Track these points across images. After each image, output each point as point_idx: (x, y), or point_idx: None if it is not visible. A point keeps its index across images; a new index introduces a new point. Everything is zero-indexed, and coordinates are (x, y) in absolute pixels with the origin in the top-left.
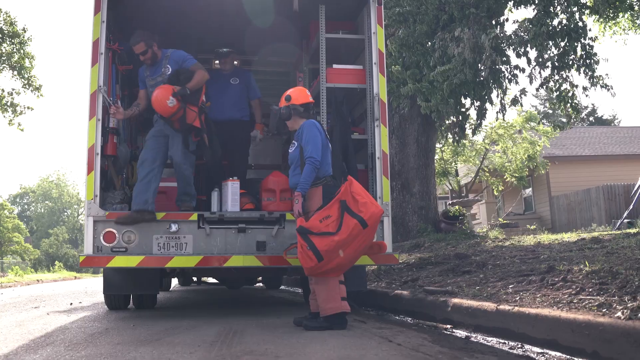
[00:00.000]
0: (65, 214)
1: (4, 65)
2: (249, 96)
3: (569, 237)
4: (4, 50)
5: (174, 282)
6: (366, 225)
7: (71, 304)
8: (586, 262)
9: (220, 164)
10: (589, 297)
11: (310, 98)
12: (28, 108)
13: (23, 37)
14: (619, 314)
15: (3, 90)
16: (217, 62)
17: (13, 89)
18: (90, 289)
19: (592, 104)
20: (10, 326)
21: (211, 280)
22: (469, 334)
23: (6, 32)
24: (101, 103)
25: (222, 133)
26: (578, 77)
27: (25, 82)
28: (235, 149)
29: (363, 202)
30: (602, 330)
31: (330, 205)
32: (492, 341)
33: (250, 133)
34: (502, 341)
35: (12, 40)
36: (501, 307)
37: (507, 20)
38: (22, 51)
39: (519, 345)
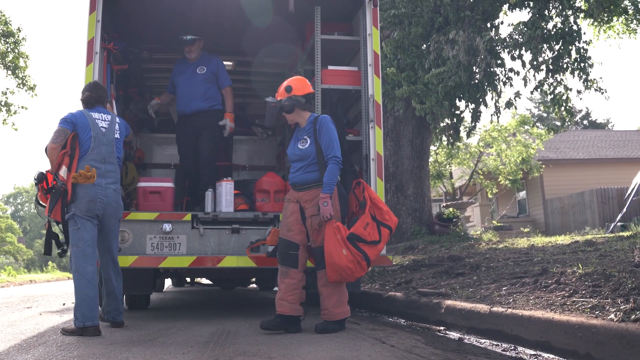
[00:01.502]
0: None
1: None
2: (218, 84)
3: (563, 239)
4: None
5: (168, 282)
6: (392, 234)
7: (64, 304)
8: (579, 265)
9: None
10: (582, 299)
11: (311, 88)
12: (22, 107)
13: (17, 36)
14: (612, 316)
15: None
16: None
17: (7, 89)
18: None
19: (586, 108)
20: (2, 326)
21: (205, 281)
22: (462, 336)
23: (1, 31)
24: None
25: (190, 126)
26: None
27: (20, 81)
28: (205, 141)
29: (386, 211)
30: (595, 332)
31: (367, 213)
32: (486, 343)
33: (219, 122)
34: (496, 343)
35: (7, 40)
36: (494, 309)
37: (502, 23)
38: (16, 50)
39: (512, 347)
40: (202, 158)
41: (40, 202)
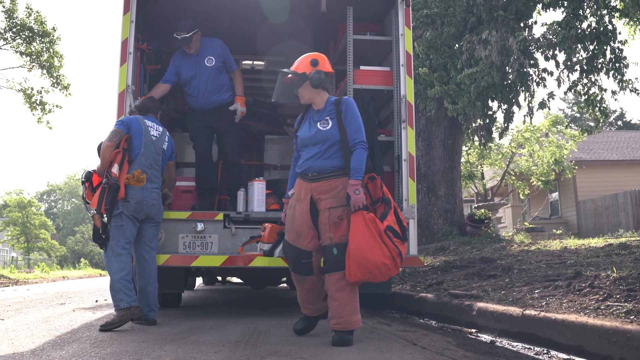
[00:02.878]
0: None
1: (34, 63)
2: (227, 70)
3: (596, 242)
4: (33, 49)
5: (199, 281)
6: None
7: (96, 301)
8: (614, 268)
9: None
10: (616, 303)
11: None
12: (57, 106)
13: (52, 36)
14: None
15: (32, 89)
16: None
17: (42, 88)
18: None
19: (621, 108)
20: (36, 322)
21: (235, 279)
22: (494, 339)
23: (36, 31)
24: (129, 103)
25: (212, 121)
26: (607, 81)
27: (54, 80)
28: (231, 141)
29: (395, 206)
30: (630, 338)
31: (393, 207)
32: (518, 346)
33: (230, 107)
34: (528, 346)
35: (42, 39)
36: (527, 312)
37: (535, 23)
38: (51, 50)
39: (545, 351)
40: (229, 160)
41: (87, 199)
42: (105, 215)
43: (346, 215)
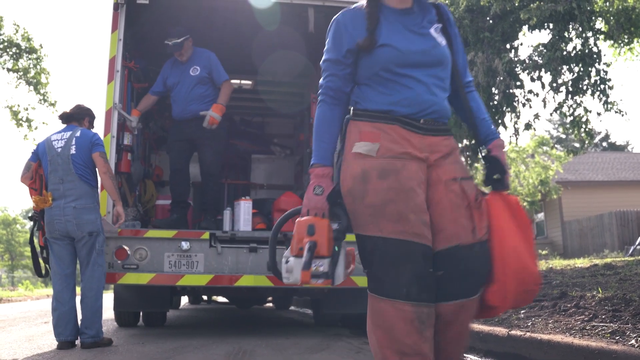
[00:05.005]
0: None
1: (20, 80)
2: (214, 82)
3: (582, 263)
4: (20, 66)
5: (184, 300)
6: None
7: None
8: (599, 289)
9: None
10: (602, 324)
11: None
12: (43, 123)
13: (39, 52)
14: (633, 341)
15: (19, 106)
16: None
17: (29, 105)
18: None
19: (606, 130)
20: (20, 340)
21: (221, 299)
22: (479, 359)
23: (23, 47)
24: (116, 120)
25: (187, 132)
26: (592, 102)
27: (42, 97)
28: (207, 151)
29: None
30: (616, 358)
31: None
32: None
33: (200, 112)
34: None
35: (29, 56)
36: (513, 332)
37: (521, 44)
38: (38, 67)
39: None
40: (204, 171)
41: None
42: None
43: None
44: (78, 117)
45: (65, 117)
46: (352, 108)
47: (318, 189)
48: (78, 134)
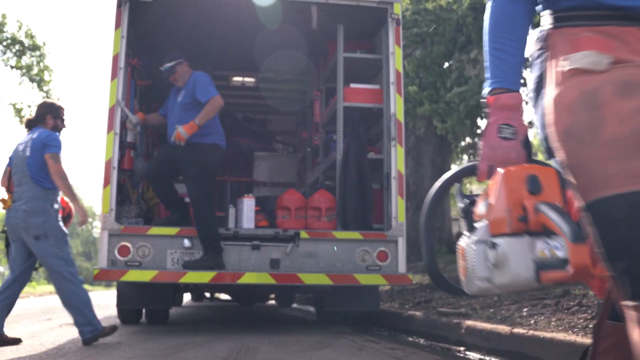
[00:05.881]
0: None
1: (24, 77)
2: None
3: None
4: (23, 63)
5: (187, 297)
6: None
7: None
8: None
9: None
10: None
11: None
12: None
13: (42, 50)
14: None
15: (22, 103)
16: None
17: (33, 102)
18: (102, 302)
19: None
20: (23, 337)
21: (224, 296)
22: (482, 357)
23: (26, 45)
24: (119, 117)
25: (172, 154)
26: None
27: (45, 95)
28: (188, 179)
29: None
30: None
31: None
32: None
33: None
34: None
35: (33, 53)
36: (515, 330)
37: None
38: (41, 64)
39: None
40: (191, 197)
41: None
42: None
43: None
44: (40, 118)
45: (27, 124)
46: (549, 12)
47: (506, 130)
48: (35, 135)
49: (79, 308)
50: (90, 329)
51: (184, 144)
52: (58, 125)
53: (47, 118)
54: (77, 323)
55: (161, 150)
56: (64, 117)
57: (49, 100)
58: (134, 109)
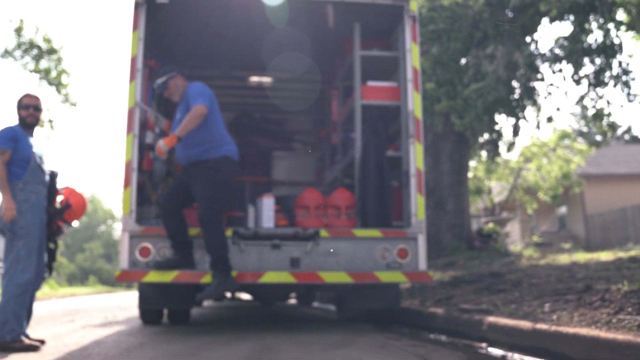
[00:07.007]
0: (100, 229)
1: (42, 80)
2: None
3: (606, 256)
4: (41, 67)
5: None
6: None
7: (106, 317)
8: (624, 282)
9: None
10: (628, 316)
11: None
12: (64, 123)
13: (59, 53)
14: None
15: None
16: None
17: (51, 105)
18: (124, 304)
19: (629, 122)
20: (46, 339)
21: (245, 296)
22: (505, 353)
23: (44, 49)
24: (138, 119)
25: (182, 175)
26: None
27: (64, 98)
28: (197, 196)
29: None
30: None
31: None
32: None
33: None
34: None
35: (50, 57)
36: (538, 326)
37: (541, 37)
38: (59, 67)
39: None
40: (198, 216)
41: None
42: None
43: None
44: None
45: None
46: None
47: None
48: None
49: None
50: None
51: (165, 158)
52: (21, 114)
53: (18, 112)
54: None
55: (175, 178)
56: (28, 103)
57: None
58: (153, 109)
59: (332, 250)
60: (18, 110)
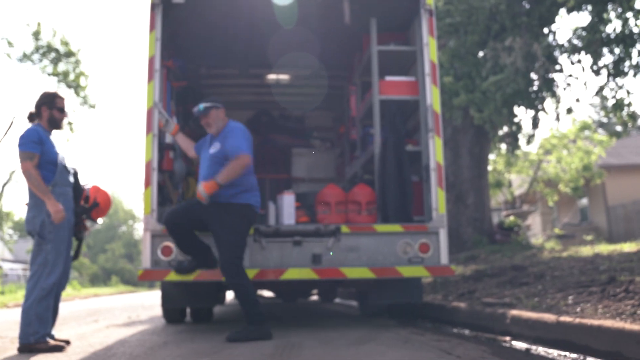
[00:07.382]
0: (121, 229)
1: (61, 83)
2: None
3: (629, 247)
4: (60, 70)
5: (230, 295)
6: None
7: (129, 317)
8: None
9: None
10: None
11: None
12: (83, 125)
13: (77, 56)
14: None
15: None
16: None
17: (70, 108)
18: (147, 303)
19: None
20: (71, 339)
21: (267, 293)
22: (529, 346)
23: (62, 52)
24: (157, 119)
25: (204, 217)
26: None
27: (83, 100)
28: (217, 241)
29: None
30: None
31: None
32: (554, 353)
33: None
34: (564, 353)
35: (68, 60)
36: (562, 318)
37: (559, 28)
38: (77, 70)
39: (582, 358)
40: (220, 265)
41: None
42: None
43: None
44: (37, 113)
45: (28, 118)
46: None
47: None
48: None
49: (24, 310)
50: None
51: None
52: (54, 116)
53: (43, 110)
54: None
55: (189, 202)
56: (62, 106)
57: (47, 91)
58: (171, 110)
59: (331, 253)
60: (50, 111)
